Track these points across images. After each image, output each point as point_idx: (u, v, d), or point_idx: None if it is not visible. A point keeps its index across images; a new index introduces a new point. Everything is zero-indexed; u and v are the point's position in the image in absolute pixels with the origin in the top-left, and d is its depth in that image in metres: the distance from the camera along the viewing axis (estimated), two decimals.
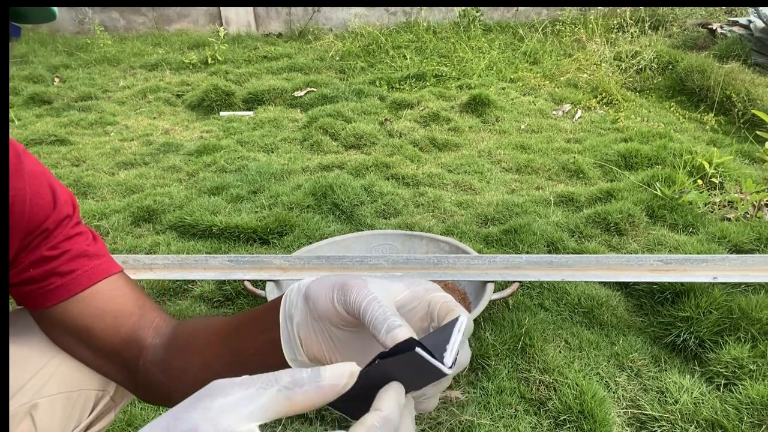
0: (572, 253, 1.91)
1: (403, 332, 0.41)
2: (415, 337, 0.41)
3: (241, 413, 0.32)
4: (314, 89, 4.02)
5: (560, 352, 1.47)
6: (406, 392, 0.39)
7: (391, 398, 0.36)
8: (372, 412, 0.35)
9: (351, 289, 0.46)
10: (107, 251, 0.73)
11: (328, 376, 0.35)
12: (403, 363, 0.38)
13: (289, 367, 0.52)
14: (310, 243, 1.85)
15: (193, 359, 0.64)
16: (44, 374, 0.70)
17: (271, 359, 0.54)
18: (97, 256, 0.70)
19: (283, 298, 0.53)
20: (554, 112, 3.67)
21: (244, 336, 0.58)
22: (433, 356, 0.38)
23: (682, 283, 1.58)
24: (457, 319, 0.43)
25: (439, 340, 0.41)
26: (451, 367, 0.39)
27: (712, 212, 2.22)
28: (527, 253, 1.92)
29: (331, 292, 0.48)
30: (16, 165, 0.65)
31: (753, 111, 2.94)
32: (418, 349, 0.37)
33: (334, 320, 0.49)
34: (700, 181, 2.42)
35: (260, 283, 1.60)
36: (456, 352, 0.40)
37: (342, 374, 0.35)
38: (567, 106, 3.75)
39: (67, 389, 0.71)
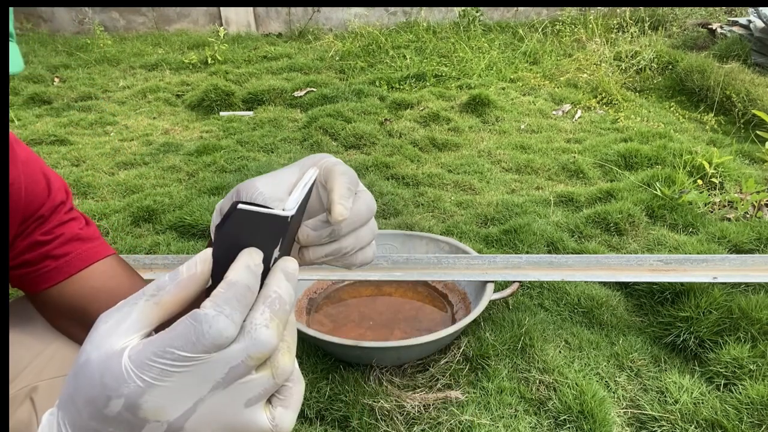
0: (572, 253, 1.91)
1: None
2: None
3: (119, 332, 0.34)
4: (314, 89, 4.02)
5: (560, 352, 1.47)
6: (269, 254, 0.38)
7: (238, 263, 0.36)
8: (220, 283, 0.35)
9: (240, 193, 0.46)
10: (100, 235, 0.75)
11: (184, 270, 0.36)
12: (241, 226, 0.37)
13: None
14: None
15: None
16: (44, 358, 0.72)
17: None
18: (90, 239, 0.72)
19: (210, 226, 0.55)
20: (554, 112, 3.67)
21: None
22: (260, 206, 0.37)
23: (682, 283, 1.58)
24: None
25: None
26: (292, 210, 0.39)
27: (712, 212, 2.22)
28: (527, 253, 1.92)
29: (229, 203, 0.48)
30: (9, 154, 0.66)
31: (753, 111, 2.94)
32: (241, 206, 0.36)
33: None
34: (700, 181, 2.42)
35: None
36: (297, 197, 0.40)
37: (195, 262, 0.37)
38: (567, 106, 3.75)
39: (67, 372, 0.72)
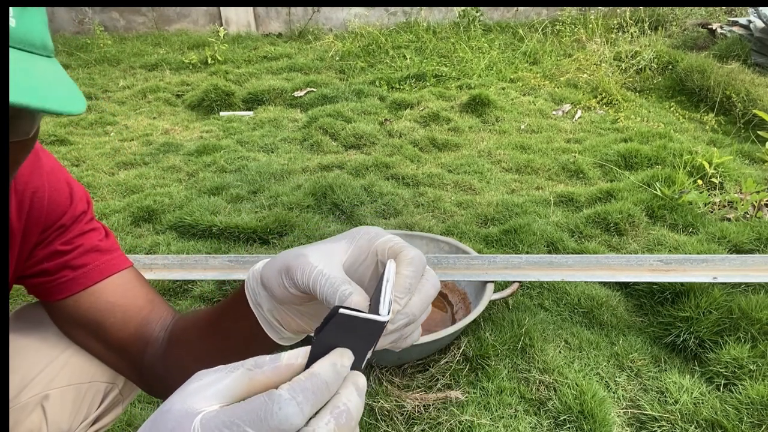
0: (572, 253, 1.91)
1: (355, 299, 0.42)
2: (365, 299, 0.42)
3: (206, 393, 0.35)
4: (314, 89, 4.02)
5: (560, 352, 1.47)
6: (361, 356, 0.40)
7: (326, 359, 0.37)
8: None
9: (295, 270, 0.46)
10: (119, 247, 0.75)
11: (285, 357, 0.37)
12: (340, 329, 0.38)
13: (280, 347, 0.55)
14: (310, 243, 1.85)
15: (188, 352, 0.65)
16: (56, 365, 0.72)
17: (261, 341, 0.55)
18: (108, 251, 0.72)
19: (245, 287, 0.54)
20: (554, 112, 3.67)
21: (226, 325, 0.59)
22: (359, 311, 0.38)
23: (682, 283, 1.58)
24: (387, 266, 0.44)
25: (378, 292, 0.42)
26: (388, 313, 0.39)
27: (712, 212, 2.22)
28: (527, 253, 1.92)
29: (280, 278, 0.48)
30: (35, 162, 0.66)
31: (754, 111, 2.94)
32: (342, 310, 0.37)
33: (296, 302, 0.50)
34: (700, 181, 2.42)
35: None
36: (389, 299, 0.41)
37: (297, 355, 0.38)
38: (567, 106, 3.75)
39: (78, 381, 0.73)
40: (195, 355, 0.63)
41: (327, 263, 0.45)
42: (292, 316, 0.52)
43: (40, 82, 0.39)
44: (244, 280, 0.55)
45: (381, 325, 0.39)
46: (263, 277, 0.51)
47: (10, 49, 0.39)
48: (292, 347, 0.41)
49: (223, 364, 0.38)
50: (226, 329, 0.59)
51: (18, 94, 0.36)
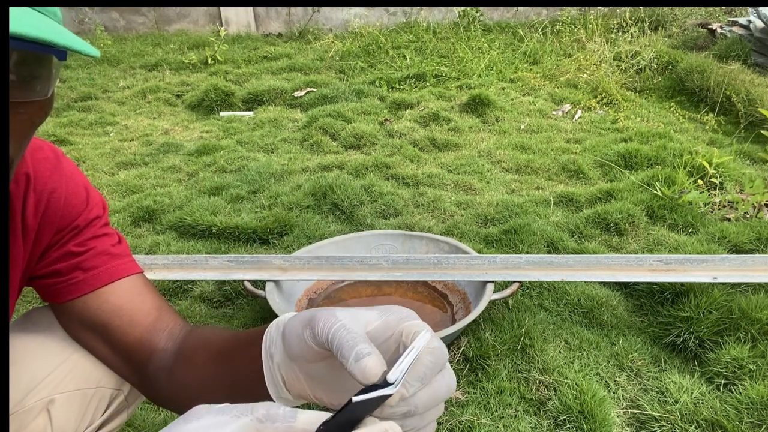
0: (572, 253, 1.91)
1: (372, 361, 0.39)
2: (381, 364, 0.41)
3: None
4: (314, 89, 4.02)
5: (560, 352, 1.47)
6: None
7: None
8: None
9: (318, 320, 0.44)
10: (130, 253, 0.77)
11: (302, 420, 0.36)
12: (354, 409, 0.38)
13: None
14: (310, 243, 1.85)
15: (194, 376, 0.64)
16: (63, 369, 0.72)
17: (261, 388, 0.53)
18: (119, 256, 0.74)
19: (264, 333, 0.53)
20: (554, 112, 3.67)
21: (236, 361, 0.58)
22: (371, 390, 0.38)
23: (682, 283, 1.58)
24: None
25: (397, 358, 0.41)
26: (398, 385, 0.39)
27: (712, 212, 2.22)
28: (527, 253, 1.92)
29: (301, 330, 0.46)
30: (56, 165, 0.69)
31: (759, 110, 2.93)
32: (355, 398, 0.37)
33: (309, 357, 0.47)
34: (700, 181, 2.41)
35: (260, 284, 1.60)
36: (405, 369, 0.39)
37: (313, 421, 0.36)
38: (567, 106, 3.75)
39: (84, 386, 0.73)
40: (200, 381, 0.63)
41: (352, 321, 0.44)
42: (299, 375, 0.50)
43: (62, 30, 0.43)
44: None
45: (388, 396, 0.39)
46: (286, 328, 0.49)
47: (35, 10, 0.42)
48: (304, 406, 0.41)
49: (227, 397, 0.36)
50: (235, 365, 0.57)
51: (41, 32, 0.38)
